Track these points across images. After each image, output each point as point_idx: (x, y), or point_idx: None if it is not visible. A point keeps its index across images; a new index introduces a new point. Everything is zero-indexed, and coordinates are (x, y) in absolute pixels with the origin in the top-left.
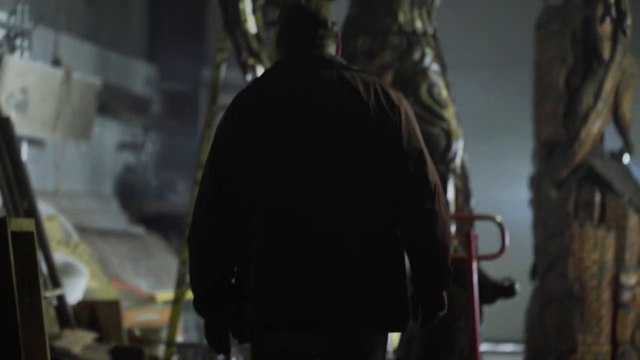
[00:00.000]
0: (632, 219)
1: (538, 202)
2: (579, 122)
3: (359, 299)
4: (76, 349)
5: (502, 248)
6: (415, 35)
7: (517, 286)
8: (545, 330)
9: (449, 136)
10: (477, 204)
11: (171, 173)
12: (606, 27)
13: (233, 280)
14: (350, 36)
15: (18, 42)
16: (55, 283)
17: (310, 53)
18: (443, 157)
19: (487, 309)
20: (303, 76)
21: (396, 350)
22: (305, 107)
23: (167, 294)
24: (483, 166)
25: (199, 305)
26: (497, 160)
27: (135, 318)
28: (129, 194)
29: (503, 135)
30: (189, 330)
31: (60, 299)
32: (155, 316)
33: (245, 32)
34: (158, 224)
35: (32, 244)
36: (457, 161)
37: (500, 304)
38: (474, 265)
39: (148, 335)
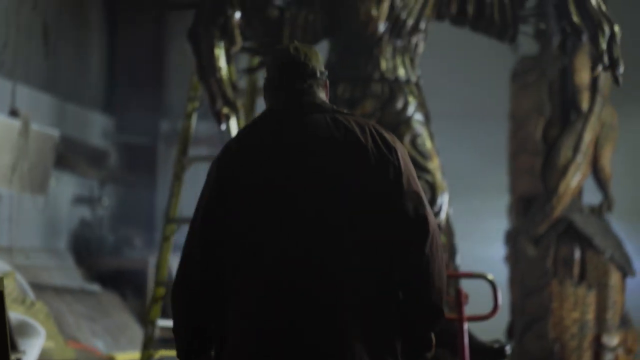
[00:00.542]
0: (614, 277)
1: (514, 259)
2: (558, 176)
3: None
4: None
5: (495, 308)
6: (398, 83)
7: (508, 348)
8: None
9: (433, 189)
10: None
11: (128, 228)
12: (584, 77)
13: (214, 332)
14: (330, 84)
15: None
16: (12, 345)
17: (301, 100)
18: None
19: None
20: (296, 122)
21: None
22: (301, 153)
23: (126, 356)
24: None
25: (180, 354)
26: (471, 215)
27: None
28: (85, 250)
29: (477, 190)
30: None
31: None
32: None
33: (220, 80)
34: (115, 281)
35: (1, 304)
36: (442, 215)
37: None
38: (465, 326)
39: None
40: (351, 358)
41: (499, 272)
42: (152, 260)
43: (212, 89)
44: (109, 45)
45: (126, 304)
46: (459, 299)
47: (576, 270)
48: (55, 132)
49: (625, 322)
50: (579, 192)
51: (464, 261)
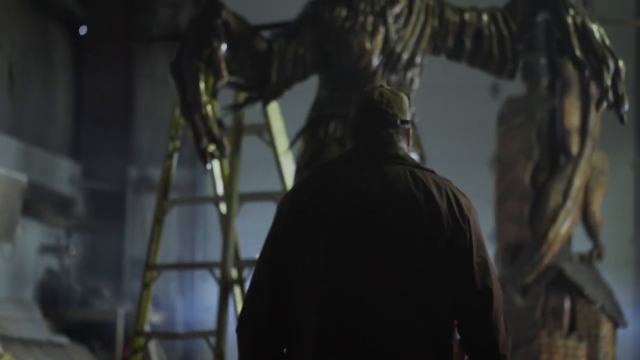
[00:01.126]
0: (605, 328)
1: None
2: (547, 222)
3: None
4: None
5: None
6: None
7: None
8: None
9: None
10: None
11: (96, 278)
12: (574, 120)
13: None
14: (320, 121)
15: None
16: None
17: (380, 149)
18: None
19: None
20: (373, 172)
21: None
22: (375, 205)
23: None
24: None
25: None
26: None
27: None
28: (52, 300)
29: None
30: None
31: None
32: None
33: (205, 116)
34: (83, 333)
35: None
36: None
37: None
38: None
39: None
40: None
41: None
42: (121, 312)
43: (197, 126)
44: (76, 87)
45: (94, 357)
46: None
47: (566, 321)
48: (23, 177)
49: None
50: (568, 240)
51: None
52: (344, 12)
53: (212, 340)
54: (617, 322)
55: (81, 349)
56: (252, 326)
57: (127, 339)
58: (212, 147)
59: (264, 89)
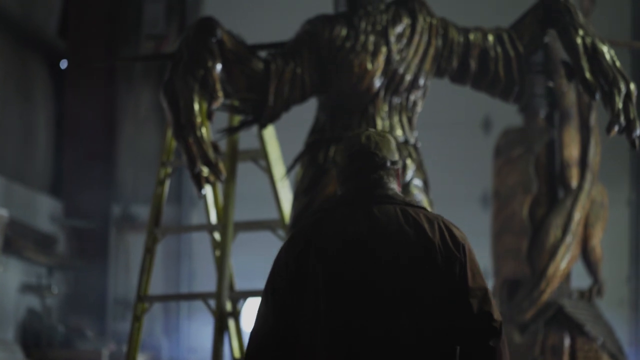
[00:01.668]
0: None
1: None
2: (546, 257)
3: None
4: None
5: None
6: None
7: None
8: None
9: None
10: None
11: (79, 318)
12: (573, 152)
13: None
14: (319, 145)
15: None
16: None
17: (371, 191)
18: None
19: None
20: (365, 214)
21: None
22: (369, 245)
23: None
24: None
25: None
26: None
27: None
28: (34, 341)
29: None
30: None
31: None
32: None
33: (200, 139)
34: None
35: None
36: None
37: None
38: None
39: None
40: None
41: None
42: (105, 352)
43: (191, 148)
44: (57, 122)
45: None
46: None
47: (566, 358)
48: (4, 212)
49: None
50: (567, 275)
51: None
52: (344, 31)
53: None
54: None
55: None
56: None
57: None
58: (206, 171)
59: (260, 112)
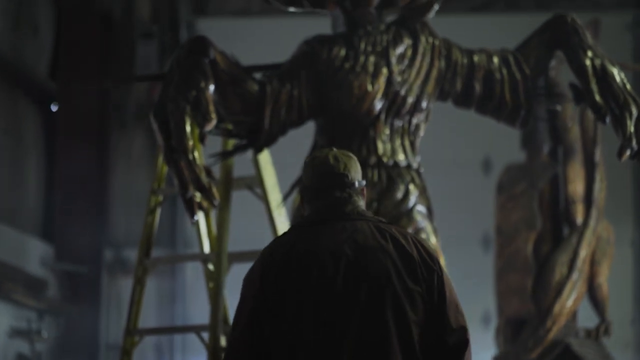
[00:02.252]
0: None
1: None
2: (552, 295)
3: None
4: None
5: None
6: (397, 169)
7: None
8: None
9: None
10: None
11: None
12: (578, 188)
13: None
14: None
15: None
16: None
17: (343, 208)
18: None
19: None
20: (340, 230)
21: None
22: (347, 260)
23: None
24: None
25: None
26: None
27: None
28: None
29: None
30: None
31: None
32: None
33: (192, 163)
34: None
35: None
36: None
37: None
38: None
39: None
40: None
41: None
42: None
43: (183, 173)
44: (47, 165)
45: None
46: None
47: None
48: None
49: None
50: (573, 314)
51: None
52: (343, 52)
53: None
54: None
55: None
56: None
57: None
58: (199, 197)
59: (255, 135)
